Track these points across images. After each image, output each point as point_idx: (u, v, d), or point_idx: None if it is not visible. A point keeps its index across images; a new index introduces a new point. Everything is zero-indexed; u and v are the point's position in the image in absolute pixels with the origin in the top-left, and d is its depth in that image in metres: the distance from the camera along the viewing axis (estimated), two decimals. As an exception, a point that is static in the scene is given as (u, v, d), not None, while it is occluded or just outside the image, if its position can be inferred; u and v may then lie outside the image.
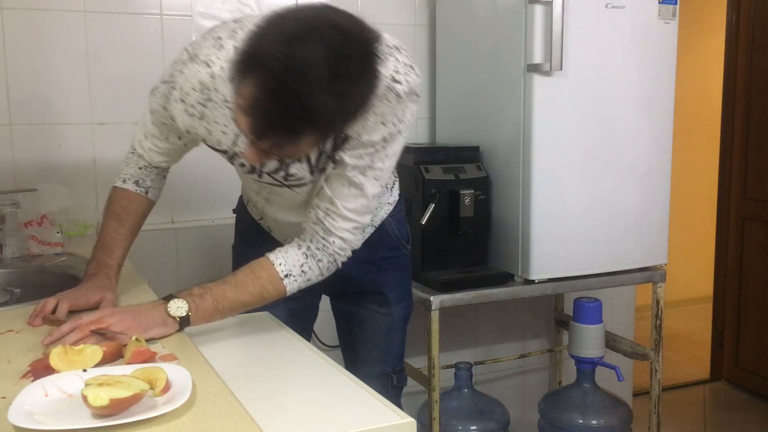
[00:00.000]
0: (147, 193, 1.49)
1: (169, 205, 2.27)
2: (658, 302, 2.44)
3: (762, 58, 3.35)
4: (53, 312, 1.28)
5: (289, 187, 1.39)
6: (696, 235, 4.52)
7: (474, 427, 2.35)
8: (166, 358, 1.10)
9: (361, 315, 1.66)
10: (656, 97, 2.32)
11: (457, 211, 2.21)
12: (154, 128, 1.42)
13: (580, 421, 2.39)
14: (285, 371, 1.15)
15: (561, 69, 2.11)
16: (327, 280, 1.38)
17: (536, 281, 2.23)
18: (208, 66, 1.24)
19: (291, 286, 1.31)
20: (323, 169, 1.32)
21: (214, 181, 2.29)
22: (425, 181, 2.20)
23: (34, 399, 0.92)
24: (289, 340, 1.29)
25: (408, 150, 2.18)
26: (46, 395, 0.94)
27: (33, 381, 0.99)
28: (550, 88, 2.14)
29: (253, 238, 1.67)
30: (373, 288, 1.63)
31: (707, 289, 3.86)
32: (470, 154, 2.32)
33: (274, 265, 1.30)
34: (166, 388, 0.95)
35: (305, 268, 1.32)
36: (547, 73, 2.12)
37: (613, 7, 2.20)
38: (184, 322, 1.22)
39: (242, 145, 1.27)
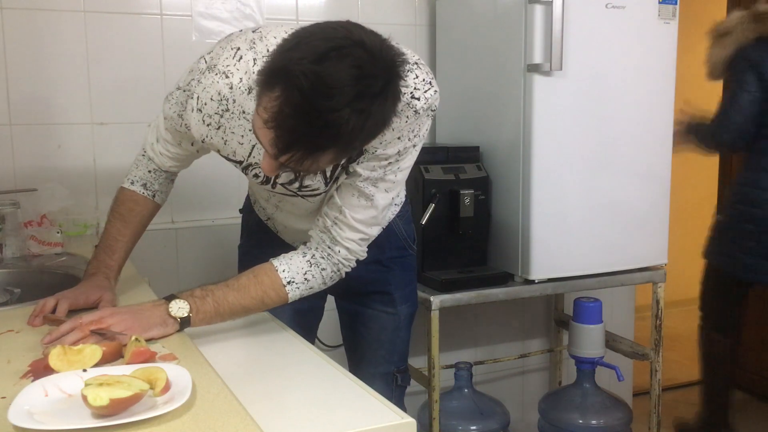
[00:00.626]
0: (154, 196, 1.50)
1: (169, 205, 2.22)
2: (658, 302, 2.44)
3: (762, 58, 3.34)
4: (53, 311, 1.28)
5: (302, 196, 1.39)
6: (696, 235, 4.51)
7: (474, 427, 2.35)
8: (166, 358, 1.10)
9: (367, 314, 1.66)
10: (656, 97, 2.32)
11: (457, 211, 2.21)
12: (168, 134, 1.42)
13: (580, 421, 2.39)
14: (285, 371, 1.15)
15: (561, 69, 2.11)
16: None
17: (536, 281, 2.23)
18: (227, 77, 1.23)
19: (293, 293, 1.31)
20: (337, 179, 1.32)
21: (214, 182, 2.29)
22: (425, 181, 2.19)
23: (34, 399, 0.92)
24: (289, 340, 1.29)
25: (408, 150, 2.17)
26: (46, 395, 0.94)
27: (33, 381, 0.98)
28: (550, 88, 2.14)
29: (260, 238, 1.66)
30: (380, 287, 1.63)
31: (707, 289, 3.85)
32: (470, 154, 2.32)
33: (277, 271, 1.30)
34: (166, 388, 0.95)
35: (308, 276, 1.32)
36: (547, 73, 2.12)
37: (613, 7, 2.20)
38: (184, 322, 1.22)
39: (258, 156, 1.26)
